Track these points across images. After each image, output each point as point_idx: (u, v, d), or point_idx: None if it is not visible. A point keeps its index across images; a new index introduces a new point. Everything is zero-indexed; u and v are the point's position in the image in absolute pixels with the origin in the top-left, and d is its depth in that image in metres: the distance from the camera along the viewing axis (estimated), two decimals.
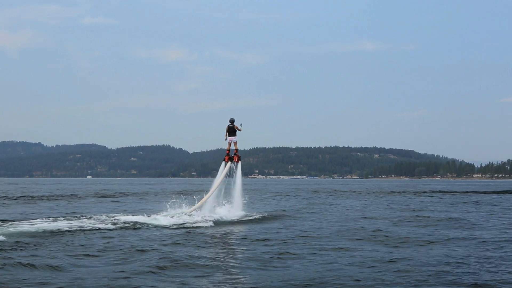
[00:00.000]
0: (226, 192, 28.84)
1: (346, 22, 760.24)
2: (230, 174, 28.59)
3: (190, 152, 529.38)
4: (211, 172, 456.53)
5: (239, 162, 28.76)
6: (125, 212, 29.50)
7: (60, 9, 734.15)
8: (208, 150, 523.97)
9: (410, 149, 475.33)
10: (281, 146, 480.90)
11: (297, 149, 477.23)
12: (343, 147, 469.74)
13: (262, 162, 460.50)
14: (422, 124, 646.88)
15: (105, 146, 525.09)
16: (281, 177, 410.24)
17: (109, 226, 22.05)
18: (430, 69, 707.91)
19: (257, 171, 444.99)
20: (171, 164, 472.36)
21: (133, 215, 26.04)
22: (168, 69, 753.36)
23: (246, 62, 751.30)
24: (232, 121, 28.29)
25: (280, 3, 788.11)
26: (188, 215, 25.93)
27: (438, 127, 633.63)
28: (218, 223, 24.35)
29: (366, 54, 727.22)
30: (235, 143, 28.52)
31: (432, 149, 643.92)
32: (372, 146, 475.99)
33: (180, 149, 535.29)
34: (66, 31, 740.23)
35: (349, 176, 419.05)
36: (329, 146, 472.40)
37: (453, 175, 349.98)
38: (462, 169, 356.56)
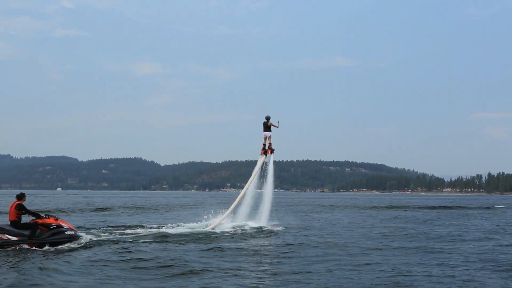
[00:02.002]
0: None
1: (318, 38, 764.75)
2: (262, 170, 30.69)
3: (162, 165, 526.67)
4: (183, 185, 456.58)
5: (272, 154, 30.91)
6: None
7: (31, 21, 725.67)
8: (180, 163, 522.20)
9: (381, 163, 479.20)
10: (253, 159, 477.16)
11: None
12: (315, 161, 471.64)
13: (234, 175, 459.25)
14: (393, 138, 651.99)
15: (75, 159, 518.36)
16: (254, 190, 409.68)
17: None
18: (402, 85, 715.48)
19: (229, 184, 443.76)
20: (142, 177, 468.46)
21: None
22: (141, 83, 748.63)
23: (219, 77, 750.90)
24: (268, 118, 30.62)
25: (253, 19, 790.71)
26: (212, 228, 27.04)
27: (409, 142, 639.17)
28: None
29: (339, 70, 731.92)
30: (270, 137, 30.85)
31: (403, 164, 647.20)
32: (343, 160, 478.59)
33: (152, 161, 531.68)
34: (38, 43, 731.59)
35: (321, 190, 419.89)
36: (301, 160, 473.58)
37: (424, 189, 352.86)
38: (432, 183, 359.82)
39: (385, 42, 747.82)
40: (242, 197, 29.96)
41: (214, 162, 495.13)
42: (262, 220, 29.50)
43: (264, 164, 30.80)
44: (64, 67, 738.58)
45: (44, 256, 17.28)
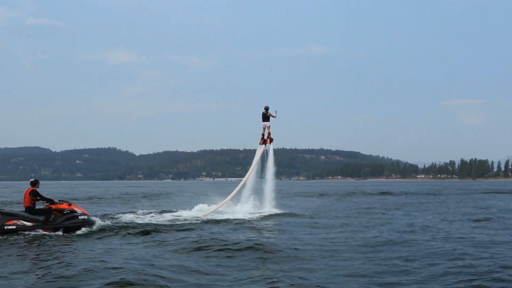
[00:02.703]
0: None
1: (293, 26, 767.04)
2: (263, 159, 31.26)
3: (137, 154, 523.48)
4: (158, 174, 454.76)
5: (271, 144, 31.64)
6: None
7: (4, 10, 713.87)
8: (155, 152, 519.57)
9: (355, 151, 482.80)
10: (228, 148, 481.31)
11: (245, 151, 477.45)
12: (290, 149, 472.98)
13: (209, 164, 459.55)
14: (367, 126, 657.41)
15: (49, 149, 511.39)
16: (229, 179, 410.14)
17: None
18: (376, 72, 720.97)
19: (204, 173, 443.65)
20: (117, 167, 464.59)
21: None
22: (115, 71, 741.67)
23: (194, 65, 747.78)
24: (266, 108, 31.33)
25: (228, 8, 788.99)
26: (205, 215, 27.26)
27: (383, 129, 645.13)
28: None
29: (314, 58, 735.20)
30: (269, 127, 31.56)
31: (377, 151, 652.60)
32: (318, 148, 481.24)
33: (127, 151, 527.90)
34: (11, 32, 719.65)
35: (296, 178, 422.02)
36: (276, 148, 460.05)
37: (398, 176, 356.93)
38: (406, 170, 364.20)
39: (361, 30, 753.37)
40: (243, 186, 30.31)
41: (189, 151, 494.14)
42: (267, 207, 29.96)
43: (264, 153, 31.35)
44: (37, 56, 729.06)
45: (61, 240, 17.48)
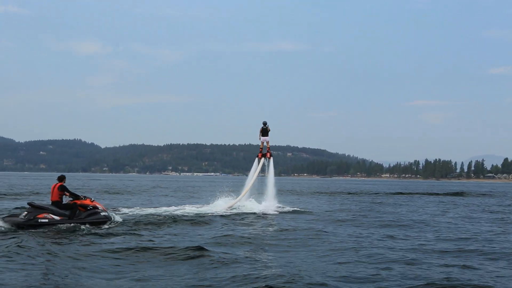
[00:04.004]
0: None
1: (266, 22, 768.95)
2: (263, 170, 32.51)
3: (102, 147, 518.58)
4: (124, 167, 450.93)
5: (271, 158, 32.77)
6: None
7: None
8: (121, 145, 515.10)
9: (322, 149, 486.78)
10: (195, 143, 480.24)
11: (212, 146, 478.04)
12: (257, 145, 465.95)
13: (176, 159, 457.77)
14: (334, 124, 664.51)
15: (12, 139, 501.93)
16: (195, 174, 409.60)
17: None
18: (343, 71, 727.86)
19: (170, 168, 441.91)
20: (82, 159, 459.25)
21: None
22: (82, 62, 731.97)
23: (163, 58, 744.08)
24: (265, 123, 32.53)
25: (200, 1, 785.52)
26: (230, 208, 28.94)
27: (349, 127, 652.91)
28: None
29: (284, 54, 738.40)
30: (268, 142, 32.61)
31: (343, 149, 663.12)
32: (285, 145, 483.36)
33: (92, 143, 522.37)
34: None
35: (262, 174, 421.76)
36: (243, 143, 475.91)
37: (363, 174, 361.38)
38: (372, 168, 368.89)
39: (330, 28, 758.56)
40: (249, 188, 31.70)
41: (156, 145, 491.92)
42: (272, 203, 31.28)
43: (264, 166, 32.59)
44: (1, 44, 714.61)
45: (91, 234, 18.11)
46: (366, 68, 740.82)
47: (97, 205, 20.92)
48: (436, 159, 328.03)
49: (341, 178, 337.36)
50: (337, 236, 19.18)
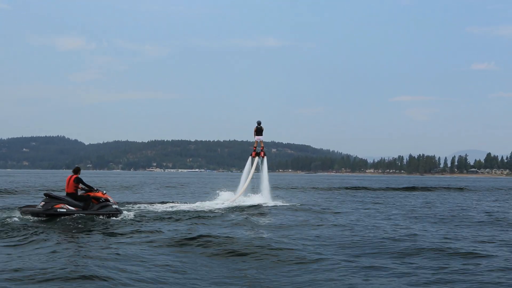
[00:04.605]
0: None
1: (249, 18, 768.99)
2: (256, 168, 32.72)
3: (86, 143, 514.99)
4: (108, 164, 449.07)
5: (265, 157, 33.44)
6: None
7: None
8: (105, 142, 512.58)
9: (306, 144, 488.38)
10: (180, 139, 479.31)
11: (196, 142, 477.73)
12: (242, 141, 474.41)
13: (160, 155, 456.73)
14: (318, 120, 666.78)
15: None
16: (179, 170, 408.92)
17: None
18: (328, 67, 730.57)
19: (154, 164, 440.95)
20: (66, 156, 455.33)
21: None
22: (65, 57, 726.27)
23: (147, 53, 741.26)
24: (259, 123, 33.10)
25: None
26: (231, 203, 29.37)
27: (333, 123, 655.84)
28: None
29: (267, 51, 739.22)
30: (261, 141, 33.28)
31: (328, 145, 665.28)
32: (270, 141, 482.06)
33: (76, 140, 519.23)
34: None
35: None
36: (228, 140, 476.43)
37: (347, 170, 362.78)
38: (356, 164, 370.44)
39: (314, 24, 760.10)
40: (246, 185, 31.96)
41: (140, 141, 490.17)
42: (267, 198, 31.78)
43: (258, 164, 32.91)
44: None
45: (108, 225, 18.60)
46: (350, 64, 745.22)
47: (109, 198, 21.41)
48: (420, 155, 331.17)
49: (325, 173, 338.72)
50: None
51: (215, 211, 25.32)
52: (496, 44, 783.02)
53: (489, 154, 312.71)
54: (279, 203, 30.75)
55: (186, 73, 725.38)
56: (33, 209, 19.55)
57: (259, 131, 32.88)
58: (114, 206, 21.35)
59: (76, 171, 20.65)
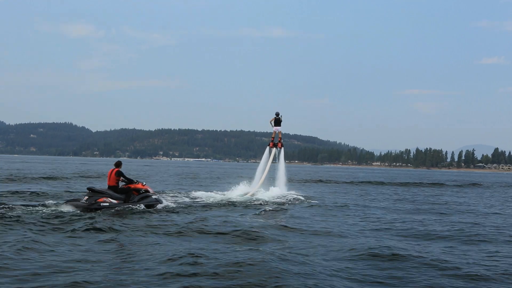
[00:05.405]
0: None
1: (257, 8, 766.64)
2: (274, 158, 33.14)
3: (93, 131, 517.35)
4: (115, 151, 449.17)
5: (282, 148, 33.85)
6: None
7: None
8: (112, 129, 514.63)
9: (313, 136, 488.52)
10: (187, 128, 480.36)
11: (203, 131, 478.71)
12: (249, 131, 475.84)
13: (167, 144, 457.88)
14: (326, 111, 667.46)
15: (3, 122, 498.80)
16: (186, 159, 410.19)
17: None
18: (337, 58, 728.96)
19: (161, 153, 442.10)
20: (73, 143, 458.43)
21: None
22: (73, 45, 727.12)
23: (155, 42, 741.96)
24: (277, 114, 33.21)
25: None
26: (252, 195, 29.96)
27: (341, 115, 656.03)
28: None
29: (275, 41, 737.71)
30: (280, 132, 33.40)
31: (335, 137, 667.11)
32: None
33: (83, 127, 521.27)
34: None
35: (253, 160, 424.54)
36: (234, 130, 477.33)
37: (354, 162, 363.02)
38: (363, 157, 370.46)
39: (324, 15, 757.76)
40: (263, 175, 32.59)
41: (147, 129, 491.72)
42: (283, 190, 32.43)
43: (275, 154, 33.44)
44: None
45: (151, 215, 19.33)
46: (359, 57, 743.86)
47: (148, 189, 22.19)
48: (427, 148, 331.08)
49: (332, 165, 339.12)
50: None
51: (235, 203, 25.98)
52: (506, 38, 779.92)
53: (496, 149, 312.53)
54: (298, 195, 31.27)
55: (193, 62, 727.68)
56: (78, 203, 20.24)
57: (277, 122, 33.15)
58: (154, 197, 22.18)
59: (118, 164, 21.42)
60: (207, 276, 10.57)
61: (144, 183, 22.28)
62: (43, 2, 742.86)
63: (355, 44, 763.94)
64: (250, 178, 34.81)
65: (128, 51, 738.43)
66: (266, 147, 34.39)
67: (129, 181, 21.48)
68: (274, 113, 33.38)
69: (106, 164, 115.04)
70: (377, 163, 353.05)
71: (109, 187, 21.04)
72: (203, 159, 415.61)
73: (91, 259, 11.91)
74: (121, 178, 21.24)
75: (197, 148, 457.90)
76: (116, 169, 21.16)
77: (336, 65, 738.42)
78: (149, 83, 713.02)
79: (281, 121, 33.27)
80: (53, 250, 12.68)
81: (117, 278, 10.23)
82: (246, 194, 30.46)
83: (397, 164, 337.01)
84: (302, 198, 29.90)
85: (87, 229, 15.60)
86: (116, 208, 20.28)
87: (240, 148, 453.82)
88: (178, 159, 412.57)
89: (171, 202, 23.56)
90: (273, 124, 33.28)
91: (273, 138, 33.78)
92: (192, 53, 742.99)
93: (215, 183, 48.11)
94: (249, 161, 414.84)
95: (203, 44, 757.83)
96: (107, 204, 20.23)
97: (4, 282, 9.72)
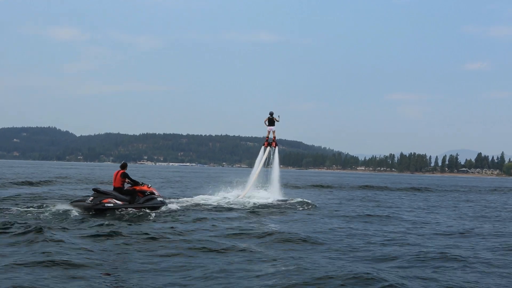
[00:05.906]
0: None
1: (245, 12, 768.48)
2: (268, 158, 33.08)
3: (77, 135, 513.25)
4: (99, 156, 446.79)
5: (276, 148, 33.77)
6: None
7: None
8: (96, 134, 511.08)
9: (298, 141, 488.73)
10: (171, 132, 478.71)
11: (188, 136, 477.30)
12: (233, 136, 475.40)
13: (151, 148, 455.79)
14: (311, 116, 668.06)
15: None
16: (170, 164, 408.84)
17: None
18: (322, 63, 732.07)
19: (146, 157, 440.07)
20: (56, 147, 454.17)
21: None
22: (57, 47, 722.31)
23: (141, 45, 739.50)
24: (271, 113, 33.07)
25: None
26: (244, 196, 29.97)
27: (326, 120, 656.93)
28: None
29: (262, 45, 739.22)
30: (274, 131, 33.27)
31: (320, 141, 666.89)
32: (261, 136, 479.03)
33: (67, 131, 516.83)
34: None
35: (238, 165, 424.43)
36: (219, 134, 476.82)
37: (339, 167, 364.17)
38: (347, 161, 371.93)
39: (310, 20, 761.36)
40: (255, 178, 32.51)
41: (131, 134, 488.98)
42: (276, 194, 32.12)
43: (270, 154, 33.41)
44: None
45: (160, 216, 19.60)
46: (344, 61, 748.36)
47: (153, 191, 22.47)
48: (411, 153, 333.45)
49: (316, 170, 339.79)
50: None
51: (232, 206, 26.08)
52: (490, 44, 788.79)
53: (479, 154, 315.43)
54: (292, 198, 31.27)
55: (180, 66, 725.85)
56: (83, 203, 20.48)
57: (271, 121, 33.10)
58: (159, 199, 22.47)
59: (123, 166, 21.68)
60: None
61: (150, 185, 22.56)
62: (27, 5, 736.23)
63: (340, 49, 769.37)
64: (243, 182, 34.21)
65: (114, 55, 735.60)
66: (261, 147, 34.42)
67: (135, 183, 21.74)
68: (269, 113, 33.35)
69: (91, 169, 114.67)
70: (362, 168, 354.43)
71: (115, 189, 21.32)
72: (188, 164, 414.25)
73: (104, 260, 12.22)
74: (127, 179, 21.49)
75: (181, 153, 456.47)
76: (122, 171, 21.44)
77: (322, 70, 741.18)
78: (134, 87, 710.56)
79: (277, 121, 33.19)
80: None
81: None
82: (238, 196, 30.37)
83: (382, 168, 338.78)
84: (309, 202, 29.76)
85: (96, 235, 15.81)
86: (120, 209, 20.54)
87: (225, 152, 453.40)
88: (163, 163, 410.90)
89: (175, 204, 23.80)
90: (267, 123, 33.28)
91: (268, 137, 33.77)
92: (179, 58, 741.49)
93: (210, 186, 47.95)
94: (234, 166, 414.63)
95: (189, 49, 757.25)
96: (112, 205, 20.47)
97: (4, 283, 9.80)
